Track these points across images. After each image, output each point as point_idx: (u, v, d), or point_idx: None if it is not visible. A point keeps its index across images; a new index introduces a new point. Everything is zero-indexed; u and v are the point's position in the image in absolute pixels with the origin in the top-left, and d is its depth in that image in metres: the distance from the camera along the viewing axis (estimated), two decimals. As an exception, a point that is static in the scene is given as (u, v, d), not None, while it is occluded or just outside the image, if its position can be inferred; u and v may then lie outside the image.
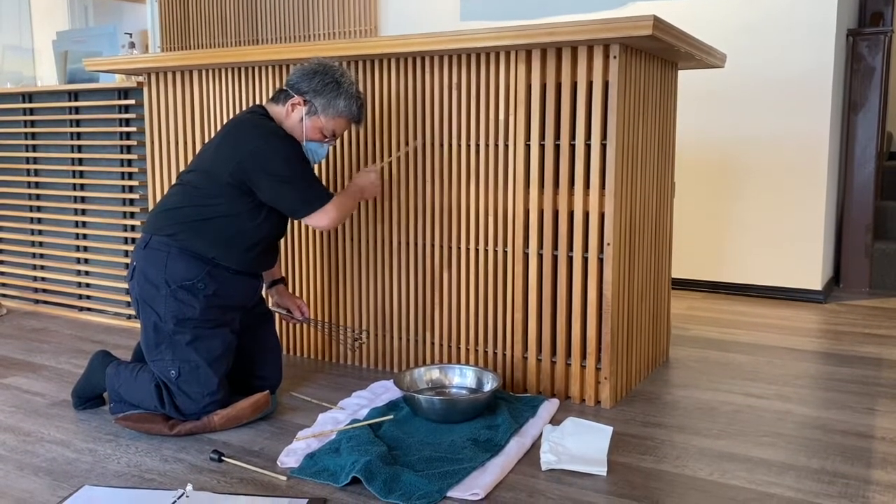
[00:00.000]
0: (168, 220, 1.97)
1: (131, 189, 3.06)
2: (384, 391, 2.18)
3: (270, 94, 2.53)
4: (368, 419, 1.92)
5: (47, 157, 3.30)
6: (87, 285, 3.28)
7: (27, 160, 3.39)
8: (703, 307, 3.43)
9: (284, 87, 2.09)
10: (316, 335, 2.59)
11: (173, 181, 2.78)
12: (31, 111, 3.35)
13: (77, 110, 3.19)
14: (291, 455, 1.75)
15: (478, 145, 2.22)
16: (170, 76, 2.74)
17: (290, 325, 2.62)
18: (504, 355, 2.24)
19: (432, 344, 2.37)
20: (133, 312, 2.00)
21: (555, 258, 2.14)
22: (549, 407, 2.06)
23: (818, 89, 3.42)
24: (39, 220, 3.41)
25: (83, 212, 3.24)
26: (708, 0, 3.63)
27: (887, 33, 3.72)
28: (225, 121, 2.64)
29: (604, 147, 2.03)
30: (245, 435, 1.91)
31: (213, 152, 2.01)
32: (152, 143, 2.82)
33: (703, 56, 2.28)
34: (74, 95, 3.20)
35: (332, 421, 1.96)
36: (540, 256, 2.16)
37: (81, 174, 3.22)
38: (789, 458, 1.77)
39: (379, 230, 2.41)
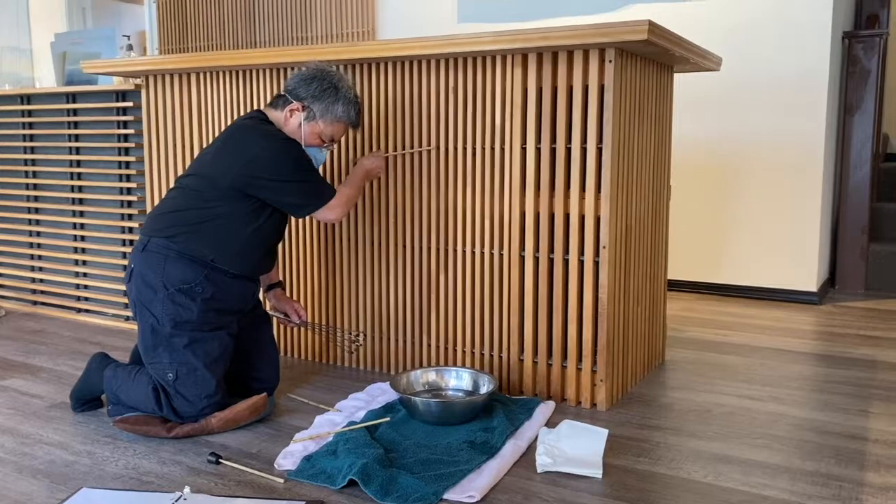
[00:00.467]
0: (167, 223, 1.98)
1: (129, 191, 3.07)
2: (381, 393, 2.19)
3: (267, 97, 2.54)
4: (365, 421, 1.93)
5: (45, 158, 3.31)
6: (86, 287, 3.29)
7: (25, 162, 3.40)
8: (698, 309, 3.44)
9: (283, 93, 2.10)
10: (313, 337, 2.60)
11: (171, 183, 2.79)
12: (30, 113, 3.35)
13: (75, 112, 3.20)
14: (288, 457, 1.76)
15: (474, 148, 2.23)
16: (167, 79, 2.74)
17: (288, 328, 2.63)
18: (500, 358, 2.25)
19: (429, 346, 2.38)
20: (131, 314, 2.01)
21: (551, 261, 2.15)
22: (545, 409, 2.07)
23: (814, 91, 3.44)
24: (38, 222, 3.41)
25: (81, 213, 3.25)
26: (703, 3, 3.64)
27: (882, 35, 3.74)
28: (222, 123, 2.65)
29: (599, 150, 2.04)
30: (243, 437, 1.92)
31: (212, 157, 2.02)
32: (150, 145, 2.83)
33: (698, 60, 2.29)
34: (72, 97, 3.20)
35: (329, 423, 1.96)
36: (536, 259, 2.17)
37: (79, 176, 3.23)
38: (783, 460, 1.78)
39: (376, 233, 2.42)
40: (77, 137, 3.20)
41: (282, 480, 1.67)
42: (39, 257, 3.44)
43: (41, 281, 3.45)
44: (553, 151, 2.12)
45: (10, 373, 2.48)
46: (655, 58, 2.25)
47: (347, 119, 2.10)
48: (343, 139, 2.43)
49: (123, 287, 3.10)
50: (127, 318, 3.14)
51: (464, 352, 2.31)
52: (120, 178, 3.10)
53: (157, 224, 1.99)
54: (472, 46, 2.06)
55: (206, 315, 1.95)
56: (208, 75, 2.65)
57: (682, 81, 3.72)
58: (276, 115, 2.10)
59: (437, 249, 2.32)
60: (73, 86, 3.27)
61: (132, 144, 3.02)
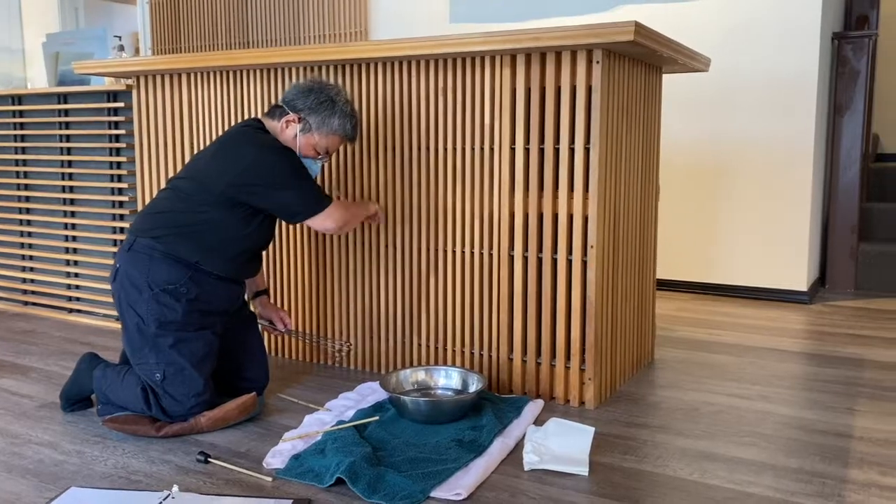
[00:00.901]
0: (154, 223, 1.99)
1: (120, 191, 3.07)
2: (370, 393, 2.20)
3: (259, 97, 2.55)
4: (354, 420, 1.94)
5: (37, 159, 3.31)
6: (77, 287, 3.29)
7: (16, 162, 3.40)
8: (689, 308, 3.46)
9: (280, 104, 2.12)
10: (301, 341, 2.61)
11: (162, 183, 2.80)
12: (21, 113, 3.35)
13: (66, 112, 3.20)
14: (277, 456, 1.77)
15: (464, 149, 2.24)
16: (159, 79, 2.75)
17: (273, 335, 2.63)
18: (490, 357, 2.26)
19: (419, 346, 2.39)
20: (117, 314, 2.02)
21: (539, 260, 2.16)
22: (534, 408, 2.08)
23: (804, 92, 3.46)
24: (29, 223, 3.41)
25: (72, 214, 3.25)
26: (695, 4, 3.66)
27: (872, 36, 3.76)
28: (214, 123, 2.65)
29: (587, 151, 2.06)
30: (232, 436, 1.93)
31: (206, 162, 2.03)
32: (141, 145, 2.84)
33: (686, 60, 2.31)
34: (64, 98, 3.20)
35: (319, 422, 1.97)
36: (525, 259, 2.18)
37: (71, 176, 3.23)
38: (769, 457, 1.80)
39: (366, 233, 2.42)
40: (68, 138, 3.20)
41: (270, 479, 1.67)
42: (30, 257, 3.44)
43: (32, 281, 3.45)
44: (542, 152, 2.13)
45: (1, 373, 2.48)
46: (643, 58, 2.27)
47: (343, 132, 2.12)
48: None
49: (115, 287, 3.09)
50: (117, 318, 3.14)
51: (454, 351, 2.32)
52: (111, 178, 3.10)
53: (144, 224, 2.00)
54: (462, 47, 2.07)
55: (191, 316, 1.96)
56: (199, 76, 2.66)
57: (674, 83, 3.73)
58: (272, 125, 2.11)
59: (427, 249, 2.33)
60: (64, 86, 3.27)
61: (123, 145, 3.02)
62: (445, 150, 2.26)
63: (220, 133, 2.64)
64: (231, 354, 2.13)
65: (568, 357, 2.15)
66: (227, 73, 2.60)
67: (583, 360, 2.13)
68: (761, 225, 3.62)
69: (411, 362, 2.40)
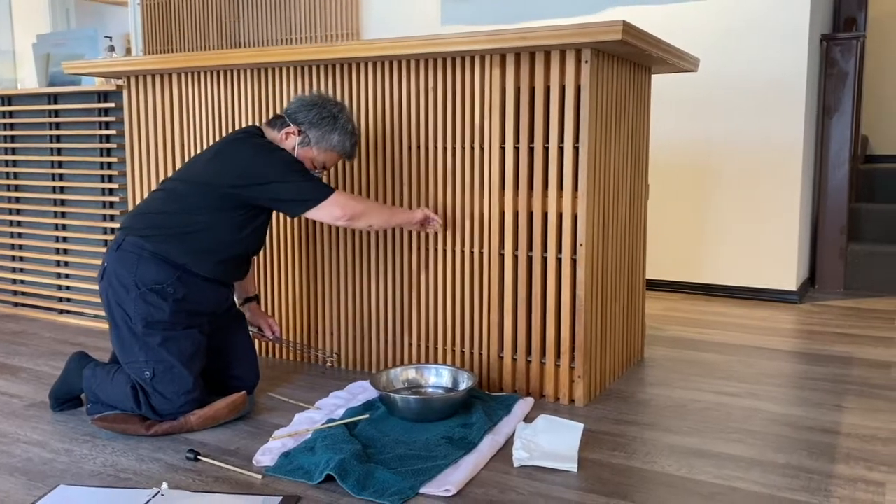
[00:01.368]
0: (145, 223, 1.99)
1: (111, 192, 3.07)
2: (361, 391, 2.20)
3: (249, 97, 2.55)
4: (345, 419, 1.95)
5: (27, 159, 3.30)
6: (67, 288, 3.28)
7: (6, 163, 3.39)
8: (680, 308, 3.47)
9: (281, 115, 2.13)
10: (294, 336, 2.61)
11: (153, 184, 2.80)
12: (11, 114, 3.34)
13: (57, 113, 3.19)
14: (267, 454, 1.77)
15: (454, 148, 2.24)
16: (149, 79, 2.75)
17: (262, 342, 2.64)
18: (480, 355, 2.27)
19: (410, 345, 2.39)
20: (105, 314, 2.02)
21: (529, 259, 2.17)
22: (524, 406, 2.08)
23: (793, 93, 3.48)
24: (19, 223, 3.40)
25: (63, 214, 3.24)
26: (684, 6, 3.68)
27: (860, 38, 3.79)
28: (205, 123, 2.65)
29: (576, 150, 2.07)
30: (222, 435, 1.93)
31: (204, 165, 2.03)
32: (132, 145, 2.83)
33: (675, 60, 2.32)
34: (54, 98, 3.20)
35: (309, 421, 1.97)
36: (515, 257, 2.19)
37: (61, 177, 3.22)
38: (756, 453, 1.81)
39: (357, 232, 2.43)
40: (59, 138, 3.20)
41: (260, 476, 1.67)
42: (21, 258, 3.43)
43: (22, 282, 3.44)
44: (531, 151, 2.14)
45: (-10, 373, 2.48)
46: (632, 58, 2.28)
47: (342, 150, 2.13)
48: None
49: (105, 288, 3.09)
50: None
51: (444, 349, 2.33)
52: (102, 178, 3.09)
53: (135, 223, 2.00)
54: (451, 47, 2.08)
55: (178, 315, 1.96)
56: (190, 76, 2.66)
57: (664, 83, 3.75)
58: (272, 135, 2.12)
59: (418, 248, 2.34)
60: (56, 87, 3.26)
61: (114, 145, 3.02)
62: (436, 149, 2.27)
63: (211, 132, 2.64)
64: (220, 353, 2.13)
65: (558, 355, 2.16)
66: (218, 73, 2.60)
67: (572, 359, 2.13)
68: (751, 225, 3.64)
69: (402, 361, 2.40)
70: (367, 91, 2.35)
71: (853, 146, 3.88)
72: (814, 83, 3.72)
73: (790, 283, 3.58)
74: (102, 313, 3.14)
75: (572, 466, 1.70)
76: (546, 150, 2.11)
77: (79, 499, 1.57)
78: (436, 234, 2.29)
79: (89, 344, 2.86)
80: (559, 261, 2.12)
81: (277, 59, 2.35)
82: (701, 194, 3.73)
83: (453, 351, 2.31)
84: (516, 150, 2.15)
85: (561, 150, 2.08)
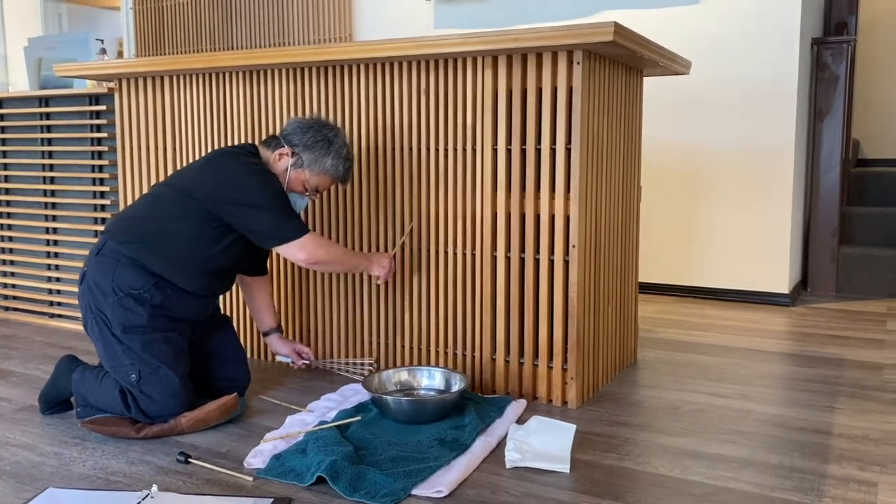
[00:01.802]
0: (126, 228, 1.99)
1: (102, 195, 3.06)
2: (353, 394, 2.19)
3: (241, 100, 2.54)
4: (337, 421, 1.94)
5: (18, 163, 3.28)
6: (58, 292, 3.26)
7: (-3, 166, 3.37)
8: (673, 311, 3.48)
9: (277, 136, 2.13)
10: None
11: (144, 187, 2.79)
12: (2, 117, 3.33)
13: (48, 116, 3.18)
14: (258, 456, 1.76)
15: (446, 150, 2.24)
16: (141, 82, 2.74)
17: (258, 329, 2.62)
18: (473, 357, 2.26)
19: (402, 347, 2.38)
20: (82, 319, 2.01)
21: (522, 261, 2.17)
22: (517, 407, 2.08)
23: (784, 97, 3.50)
24: (10, 227, 3.38)
25: (54, 218, 3.22)
26: (676, 10, 3.70)
27: (850, 42, 3.81)
28: (197, 126, 2.65)
29: (568, 151, 2.07)
30: (213, 437, 1.92)
31: (193, 174, 2.03)
32: (123, 148, 2.82)
33: (666, 63, 2.33)
34: (45, 101, 3.19)
35: (301, 423, 1.96)
36: (507, 259, 2.19)
37: (52, 180, 3.21)
38: (749, 454, 1.81)
39: (349, 234, 2.42)
40: (50, 141, 3.19)
41: (251, 478, 1.66)
42: (12, 262, 3.41)
43: (13, 286, 3.42)
44: (523, 152, 2.14)
45: (-21, 377, 2.46)
46: (624, 60, 2.29)
47: (335, 174, 2.13)
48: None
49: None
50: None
51: (437, 352, 2.32)
52: (93, 181, 3.08)
53: (116, 227, 2.00)
54: (443, 48, 2.08)
55: (157, 320, 1.95)
56: (182, 78, 2.65)
57: (656, 87, 3.77)
58: (266, 154, 2.12)
59: (410, 250, 2.33)
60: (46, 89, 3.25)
61: (105, 148, 3.01)
62: (428, 151, 2.27)
63: (204, 135, 2.64)
64: (208, 356, 2.12)
65: (550, 357, 2.15)
66: (210, 75, 2.60)
67: (565, 360, 2.13)
68: (743, 228, 3.65)
69: (395, 363, 2.40)
70: (359, 93, 2.35)
71: (844, 150, 3.90)
72: (805, 87, 3.73)
73: (782, 285, 3.59)
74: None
75: (565, 467, 1.70)
76: (538, 151, 2.11)
77: (68, 501, 1.55)
78: (428, 236, 2.29)
79: (79, 348, 2.84)
80: (552, 262, 2.12)
81: (270, 61, 2.34)
82: (693, 197, 3.74)
83: (446, 353, 2.31)
84: (508, 151, 2.15)
85: (553, 151, 2.09)
